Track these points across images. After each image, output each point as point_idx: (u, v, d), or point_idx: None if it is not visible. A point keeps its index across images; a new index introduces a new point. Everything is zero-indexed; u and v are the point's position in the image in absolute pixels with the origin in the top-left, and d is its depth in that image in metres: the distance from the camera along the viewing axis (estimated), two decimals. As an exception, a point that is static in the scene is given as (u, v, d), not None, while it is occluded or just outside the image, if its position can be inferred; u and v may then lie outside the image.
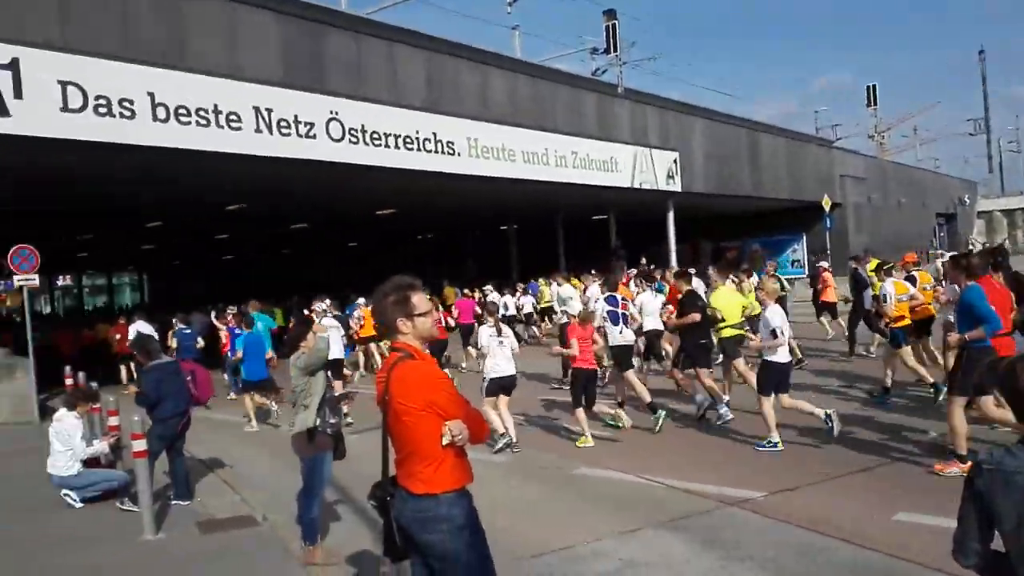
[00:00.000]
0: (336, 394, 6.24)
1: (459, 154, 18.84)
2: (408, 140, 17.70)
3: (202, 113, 14.05)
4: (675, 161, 26.28)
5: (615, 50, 24.67)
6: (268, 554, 6.19)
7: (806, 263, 32.48)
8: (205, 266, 48.88)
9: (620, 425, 10.06)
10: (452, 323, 18.14)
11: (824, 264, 18.54)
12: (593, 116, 23.61)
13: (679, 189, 26.43)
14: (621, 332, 10.49)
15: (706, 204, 30.38)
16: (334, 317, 13.90)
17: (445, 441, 3.29)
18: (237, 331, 13.88)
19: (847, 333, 15.00)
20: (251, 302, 15.92)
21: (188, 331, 15.68)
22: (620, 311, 10.60)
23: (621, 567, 5.61)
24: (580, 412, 9.40)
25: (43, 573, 6.04)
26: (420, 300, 3.50)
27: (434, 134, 18.23)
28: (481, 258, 35.74)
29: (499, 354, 9.22)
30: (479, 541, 3.41)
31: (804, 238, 34.40)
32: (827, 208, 30.61)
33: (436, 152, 18.32)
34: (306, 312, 14.31)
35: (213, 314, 18.54)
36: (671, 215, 27.73)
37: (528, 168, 20.79)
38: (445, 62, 19.11)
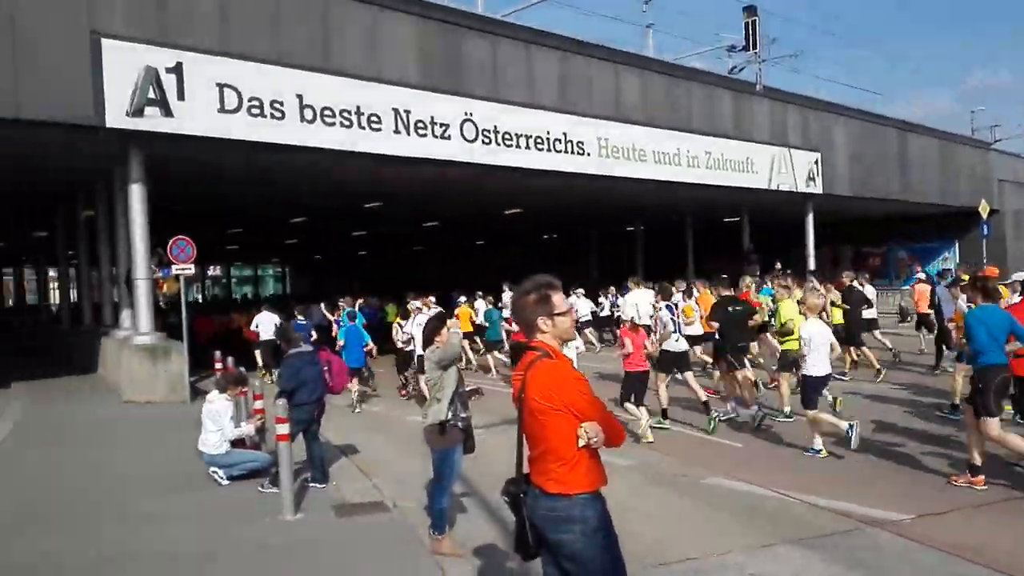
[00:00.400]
0: (467, 389, 6.32)
1: (589, 154, 18.79)
2: (539, 140, 17.80)
3: (346, 114, 14.68)
4: (816, 162, 25.17)
5: (754, 47, 23.82)
6: (398, 540, 6.36)
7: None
8: (342, 261, 51.07)
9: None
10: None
11: (921, 275, 18.02)
12: (729, 115, 22.95)
13: (819, 191, 25.31)
14: (677, 340, 10.93)
15: (848, 207, 28.88)
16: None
17: (581, 443, 3.27)
18: (341, 323, 15.28)
19: (935, 347, 14.83)
20: (345, 298, 17.26)
21: (303, 323, 16.52)
22: (676, 319, 11.22)
23: (752, 582, 5.40)
24: (628, 405, 10.00)
25: (190, 545, 6.46)
26: (560, 300, 3.49)
27: (564, 134, 18.26)
28: (605, 259, 35.50)
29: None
30: (612, 545, 3.36)
31: (957, 246, 32.10)
32: (984, 214, 28.38)
33: (566, 152, 18.35)
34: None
35: (323, 306, 19.38)
36: (810, 218, 26.59)
37: (659, 168, 20.47)
38: (578, 62, 19.09)
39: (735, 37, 25.22)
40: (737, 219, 28.87)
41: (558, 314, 3.45)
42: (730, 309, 11.32)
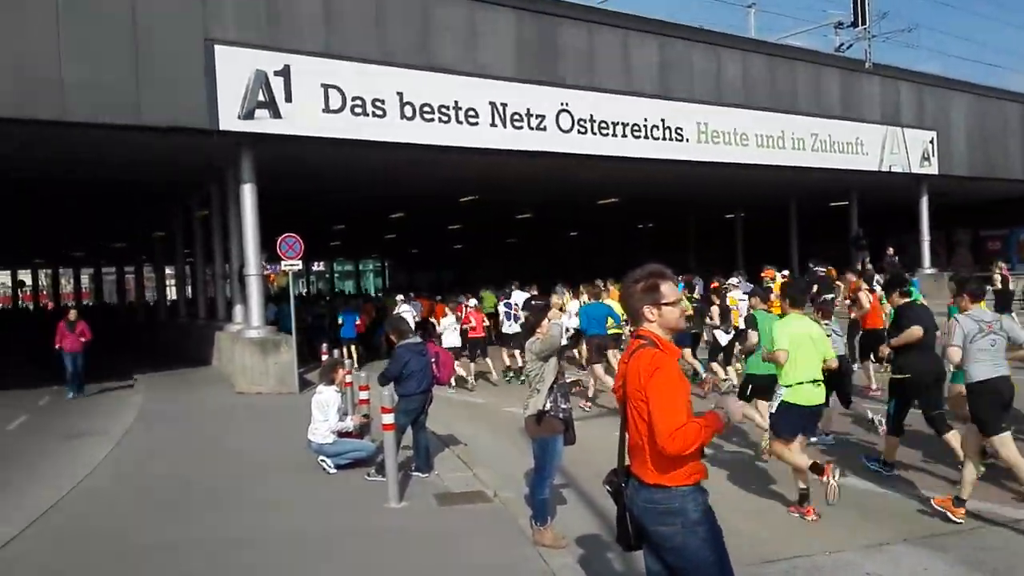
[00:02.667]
0: (568, 380, 6.30)
1: (688, 140, 18.41)
2: (636, 128, 17.57)
3: (444, 110, 14.90)
4: (931, 141, 23.86)
5: (863, 23, 22.75)
6: (500, 530, 6.42)
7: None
8: (438, 255, 51.87)
9: None
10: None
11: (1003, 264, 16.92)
12: (836, 94, 22.01)
13: (935, 172, 24.00)
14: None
15: (966, 188, 27.23)
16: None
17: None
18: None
19: None
20: (398, 296, 18.93)
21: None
22: None
23: (869, 583, 5.18)
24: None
25: (303, 530, 6.71)
26: (669, 289, 3.41)
27: (663, 120, 17.96)
28: (703, 248, 34.68)
29: None
30: (715, 539, 3.28)
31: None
32: (1123, 194, 26.25)
33: (664, 139, 18.04)
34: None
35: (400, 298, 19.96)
36: (924, 200, 25.26)
37: (762, 152, 19.87)
38: (677, 46, 18.72)
39: (842, 13, 24.19)
40: (845, 203, 27.68)
41: (665, 304, 3.37)
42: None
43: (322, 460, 8.48)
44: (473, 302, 16.37)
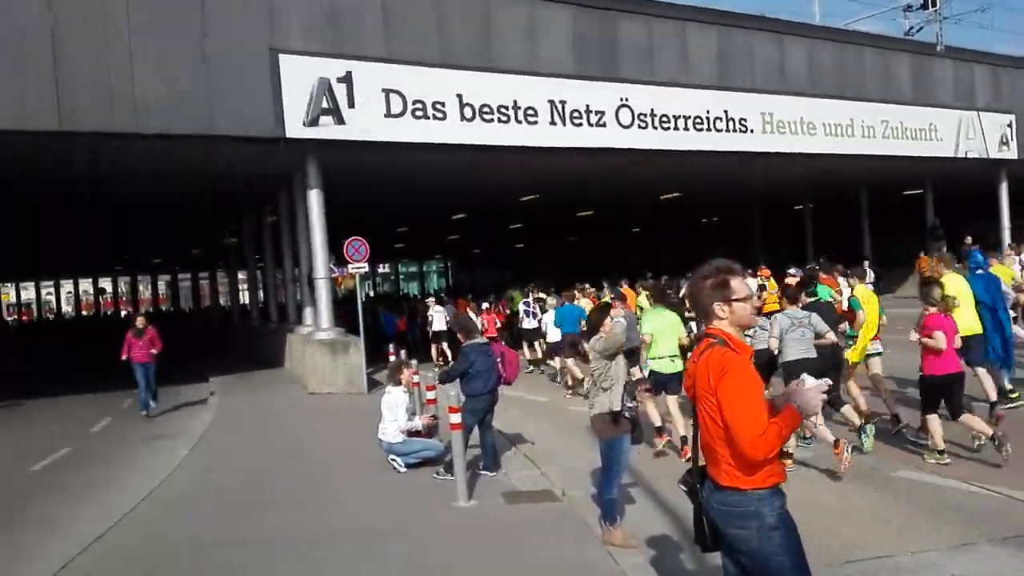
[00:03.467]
0: (634, 379, 6.25)
1: (752, 131, 18.07)
2: (698, 120, 17.33)
3: (503, 110, 14.95)
4: (1010, 124, 22.89)
5: (934, 5, 21.93)
6: (568, 529, 6.40)
7: None
8: (500, 254, 52.07)
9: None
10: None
11: None
12: (907, 80, 21.28)
13: (1015, 156, 22.99)
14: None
15: (1050, 173, 26.01)
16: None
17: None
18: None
19: None
20: (429, 298, 19.64)
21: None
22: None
23: (954, 585, 5.00)
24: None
25: (377, 527, 6.83)
26: (739, 285, 3.32)
27: (725, 112, 17.67)
28: (771, 241, 33.93)
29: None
30: (793, 544, 3.19)
31: None
32: None
33: (727, 131, 17.75)
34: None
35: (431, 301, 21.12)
36: (1004, 187, 24.22)
37: (830, 141, 19.37)
38: (738, 36, 18.38)
39: (912, -4, 23.36)
40: (919, 191, 26.77)
41: (736, 300, 3.30)
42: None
43: (392, 459, 8.61)
44: (485, 304, 18.31)
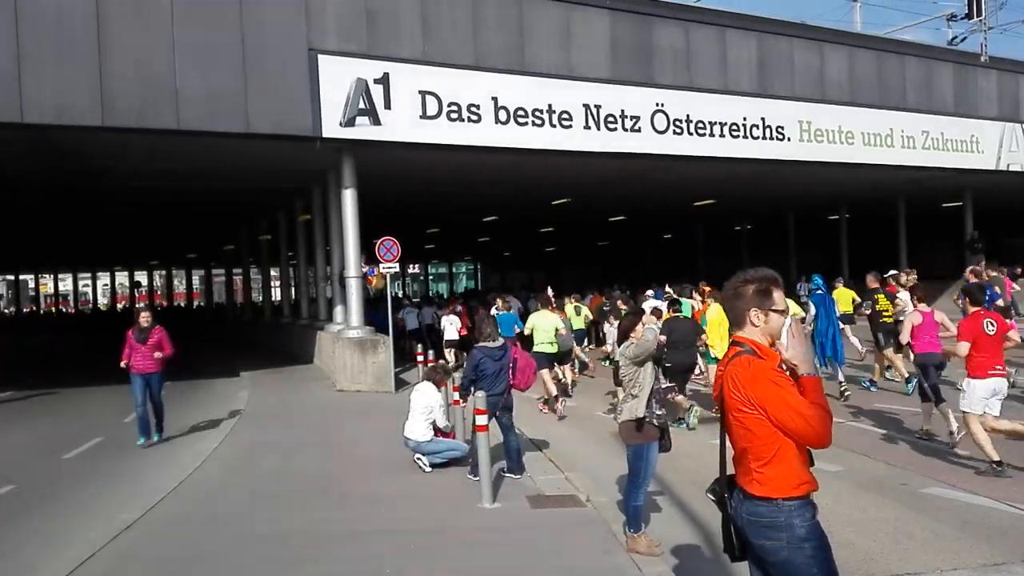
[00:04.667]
0: (664, 386, 6.20)
1: (789, 139, 17.88)
2: (734, 127, 17.19)
3: (538, 113, 14.96)
4: (1054, 137, 22.33)
5: (979, 14, 21.53)
6: (592, 535, 6.38)
7: None
8: (530, 257, 52.12)
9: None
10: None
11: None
12: (949, 90, 20.92)
13: (1059, 170, 22.44)
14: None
15: (1096, 187, 25.41)
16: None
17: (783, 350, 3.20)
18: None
19: None
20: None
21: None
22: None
23: (985, 605, 4.89)
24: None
25: (403, 527, 6.86)
26: (780, 297, 3.30)
27: (762, 119, 17.50)
28: (804, 249, 33.54)
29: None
30: (825, 557, 3.15)
31: None
32: None
33: (764, 138, 17.58)
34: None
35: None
36: (1047, 201, 23.67)
37: (868, 151, 19.11)
38: (777, 43, 18.20)
39: (955, 5, 22.99)
40: (959, 204, 26.27)
41: (774, 310, 3.27)
42: None
43: (418, 458, 8.64)
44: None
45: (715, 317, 11.44)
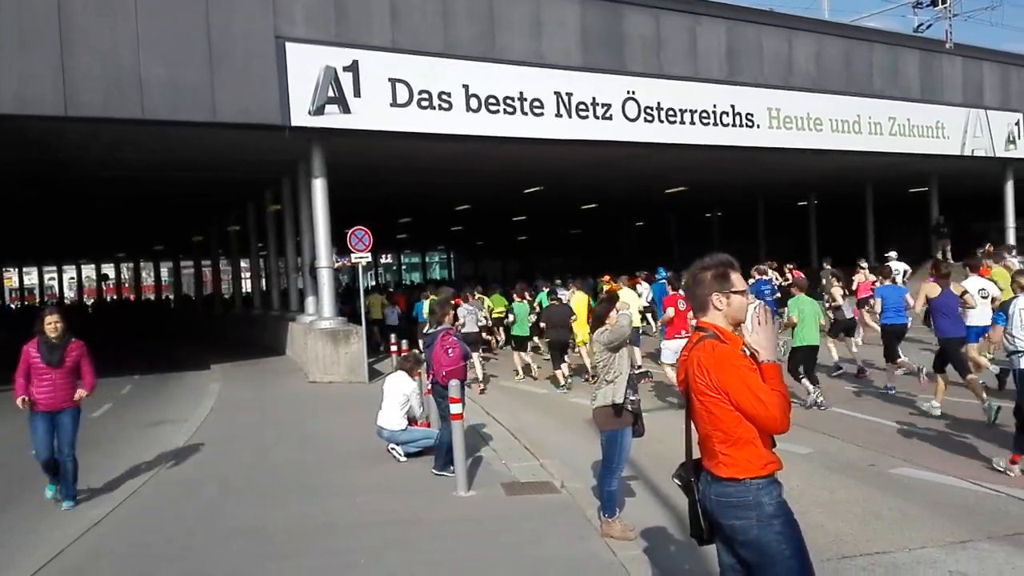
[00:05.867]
0: (637, 372, 6.23)
1: (759, 126, 18.02)
2: (704, 115, 17.27)
3: (509, 101, 14.91)
4: (1017, 123, 22.82)
5: (943, 2, 21.81)
6: (567, 520, 6.42)
7: None
8: (503, 246, 52.07)
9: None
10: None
11: None
12: (915, 76, 21.20)
13: (1021, 156, 22.87)
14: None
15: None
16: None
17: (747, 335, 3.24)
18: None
19: None
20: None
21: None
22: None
23: (953, 582, 5.00)
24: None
25: (371, 516, 6.84)
26: (738, 279, 3.36)
27: (732, 106, 17.61)
28: (775, 236, 33.90)
29: None
30: (793, 533, 3.20)
31: None
32: None
33: (734, 125, 17.69)
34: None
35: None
36: (1010, 186, 24.15)
37: (836, 137, 19.32)
38: (747, 31, 18.30)
39: (923, -8, 23.23)
40: (924, 189, 26.69)
41: (735, 292, 3.32)
42: None
43: (392, 448, 8.62)
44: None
45: (577, 305, 14.00)
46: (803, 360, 10.45)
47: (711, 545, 3.42)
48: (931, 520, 6.13)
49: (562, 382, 13.24)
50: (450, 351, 7.92)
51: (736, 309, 3.33)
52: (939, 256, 20.33)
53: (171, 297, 50.11)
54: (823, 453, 8.29)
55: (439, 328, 8.14)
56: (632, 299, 13.94)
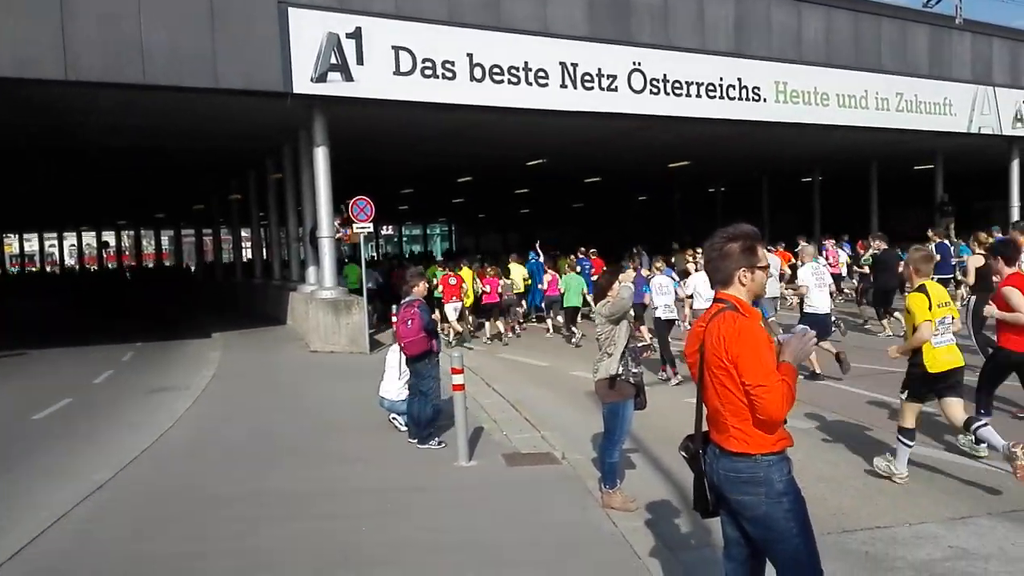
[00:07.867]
0: (640, 344, 6.20)
1: (765, 100, 17.85)
2: (711, 88, 17.10)
3: (513, 71, 14.74)
4: (1025, 101, 22.55)
5: (954, -25, 21.53)
6: (568, 491, 6.44)
7: None
8: (505, 218, 51.90)
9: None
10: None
11: None
12: (924, 52, 20.96)
13: (1029, 133, 22.71)
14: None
15: (1064, 151, 25.74)
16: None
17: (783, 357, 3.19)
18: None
19: None
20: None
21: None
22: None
23: (951, 556, 5.01)
24: None
25: (372, 483, 6.86)
26: (764, 253, 3.33)
27: (739, 80, 17.42)
28: (778, 211, 33.74)
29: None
30: (801, 510, 3.19)
31: None
32: None
33: (740, 99, 17.52)
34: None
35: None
36: (1016, 164, 23.99)
37: (843, 112, 19.14)
38: (755, 3, 18.06)
39: (932, -35, 22.94)
40: (930, 166, 26.52)
41: (759, 267, 3.27)
42: None
43: (393, 418, 8.63)
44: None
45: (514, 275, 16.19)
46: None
47: (715, 518, 3.42)
48: (932, 495, 6.14)
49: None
50: (409, 322, 7.79)
51: (759, 284, 3.30)
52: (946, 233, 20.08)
53: (171, 265, 50.03)
54: (826, 427, 8.30)
55: (408, 299, 8.06)
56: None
